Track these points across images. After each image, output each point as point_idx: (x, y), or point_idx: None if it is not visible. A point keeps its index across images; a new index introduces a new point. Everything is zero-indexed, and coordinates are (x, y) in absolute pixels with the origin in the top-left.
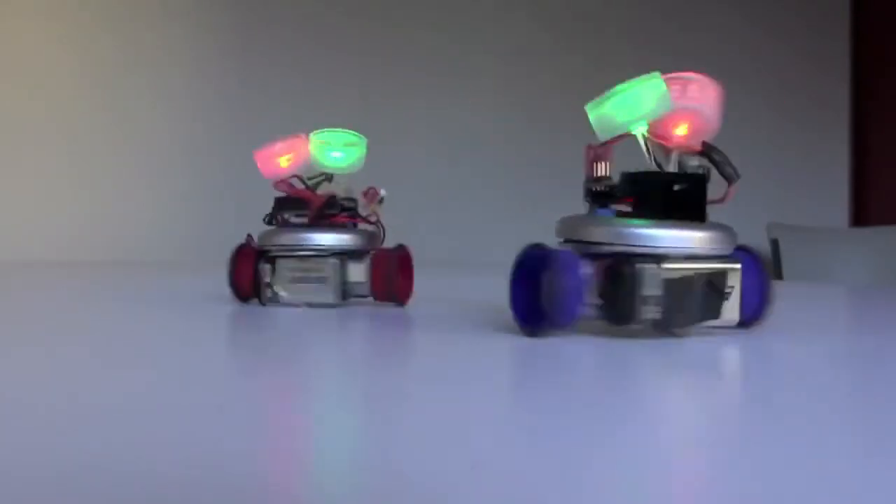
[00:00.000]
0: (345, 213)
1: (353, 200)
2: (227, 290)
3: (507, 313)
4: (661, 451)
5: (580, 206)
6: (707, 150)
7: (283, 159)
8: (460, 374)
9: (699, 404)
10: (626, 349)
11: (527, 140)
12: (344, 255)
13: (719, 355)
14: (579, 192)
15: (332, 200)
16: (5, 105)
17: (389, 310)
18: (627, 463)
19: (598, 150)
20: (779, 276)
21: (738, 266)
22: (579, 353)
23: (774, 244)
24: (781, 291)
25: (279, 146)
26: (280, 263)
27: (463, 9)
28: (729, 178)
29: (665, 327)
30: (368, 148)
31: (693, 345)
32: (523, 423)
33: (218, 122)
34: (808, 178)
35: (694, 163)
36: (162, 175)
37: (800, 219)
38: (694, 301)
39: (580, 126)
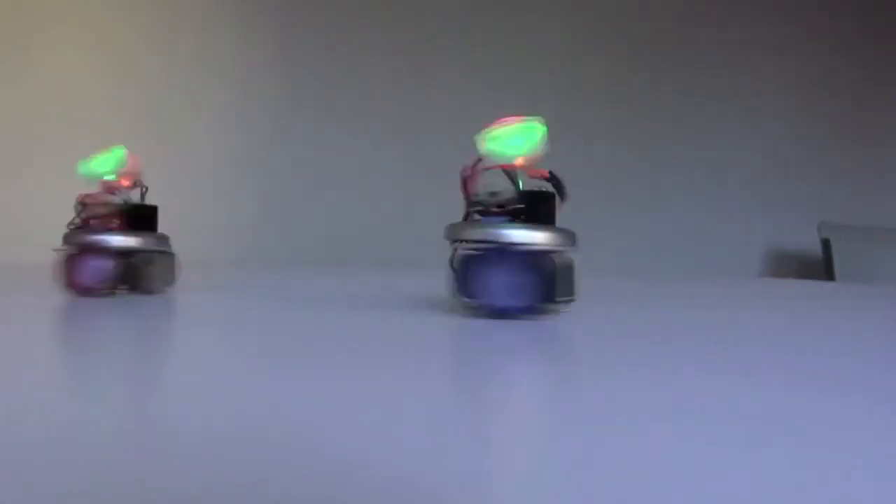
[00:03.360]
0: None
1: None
2: None
3: None
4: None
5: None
6: (552, 176)
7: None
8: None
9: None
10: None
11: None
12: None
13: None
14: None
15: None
16: (43, 113)
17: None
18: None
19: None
20: (830, 276)
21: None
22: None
23: (826, 244)
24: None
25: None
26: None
27: (501, 16)
28: (563, 198)
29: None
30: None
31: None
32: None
33: (257, 130)
34: (861, 177)
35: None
36: (201, 184)
37: (853, 218)
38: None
39: (600, 128)
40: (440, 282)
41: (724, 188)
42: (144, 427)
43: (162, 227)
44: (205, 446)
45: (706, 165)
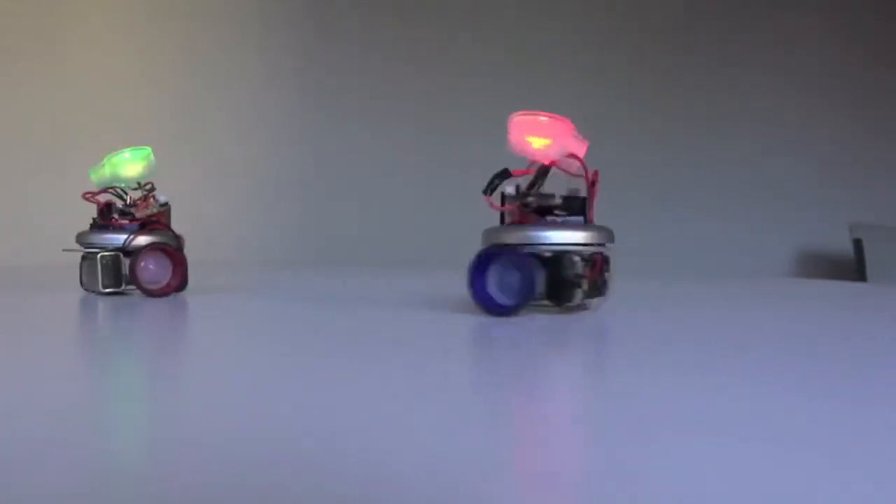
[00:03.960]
0: (126, 217)
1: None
2: None
3: None
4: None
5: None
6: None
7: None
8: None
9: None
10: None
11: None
12: (118, 251)
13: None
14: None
15: (107, 207)
16: (74, 118)
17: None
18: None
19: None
20: (862, 277)
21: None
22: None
23: (857, 244)
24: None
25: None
26: (85, 258)
27: (520, 15)
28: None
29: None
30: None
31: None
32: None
33: (283, 135)
34: (894, 177)
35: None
36: (224, 184)
37: (885, 218)
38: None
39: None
40: (457, 282)
41: (754, 187)
42: (171, 424)
43: (184, 227)
44: (231, 442)
45: (736, 165)
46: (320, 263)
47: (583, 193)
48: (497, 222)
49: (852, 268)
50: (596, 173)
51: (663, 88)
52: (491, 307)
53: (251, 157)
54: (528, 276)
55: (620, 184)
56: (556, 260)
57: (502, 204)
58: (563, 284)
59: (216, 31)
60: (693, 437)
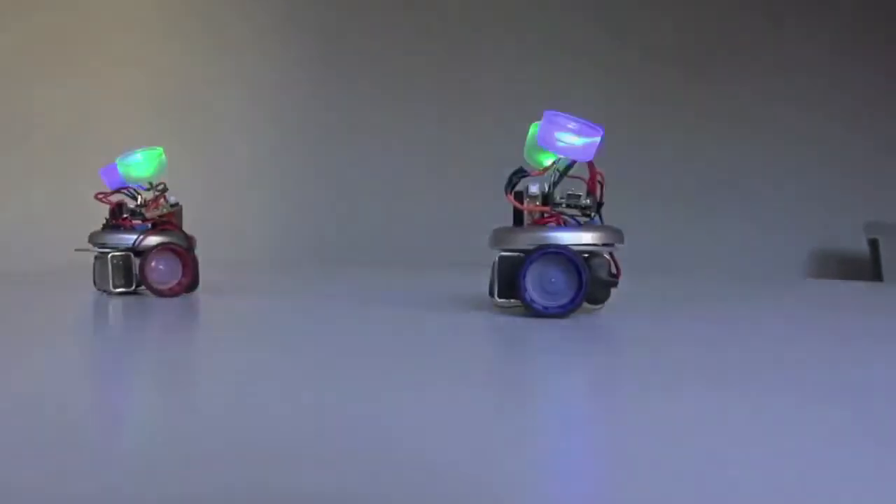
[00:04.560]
0: (138, 218)
1: (145, 206)
2: None
3: None
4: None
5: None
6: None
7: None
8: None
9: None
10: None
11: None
12: (128, 251)
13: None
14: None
15: (118, 208)
16: (85, 119)
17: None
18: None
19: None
20: (878, 277)
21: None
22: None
23: (873, 244)
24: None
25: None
26: (97, 258)
27: (532, 16)
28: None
29: None
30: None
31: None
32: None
33: (289, 136)
34: None
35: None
36: (241, 190)
37: None
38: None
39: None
40: (457, 281)
41: (768, 187)
42: (175, 424)
43: (194, 227)
44: (237, 441)
45: (750, 165)
46: (324, 264)
47: (582, 194)
48: (510, 221)
49: (868, 268)
50: (601, 174)
51: (676, 90)
52: (544, 309)
53: (256, 158)
54: (586, 276)
55: (633, 184)
56: (592, 260)
57: (521, 203)
58: (601, 284)
59: (222, 32)
60: (696, 437)
